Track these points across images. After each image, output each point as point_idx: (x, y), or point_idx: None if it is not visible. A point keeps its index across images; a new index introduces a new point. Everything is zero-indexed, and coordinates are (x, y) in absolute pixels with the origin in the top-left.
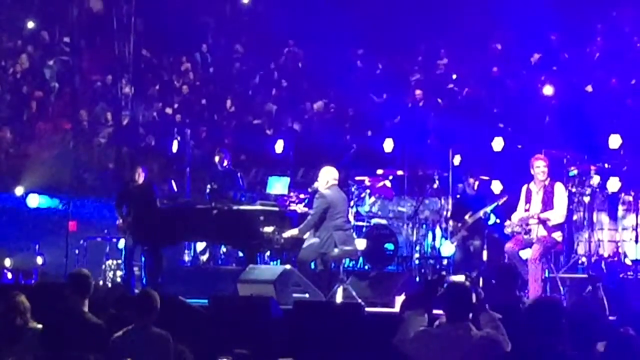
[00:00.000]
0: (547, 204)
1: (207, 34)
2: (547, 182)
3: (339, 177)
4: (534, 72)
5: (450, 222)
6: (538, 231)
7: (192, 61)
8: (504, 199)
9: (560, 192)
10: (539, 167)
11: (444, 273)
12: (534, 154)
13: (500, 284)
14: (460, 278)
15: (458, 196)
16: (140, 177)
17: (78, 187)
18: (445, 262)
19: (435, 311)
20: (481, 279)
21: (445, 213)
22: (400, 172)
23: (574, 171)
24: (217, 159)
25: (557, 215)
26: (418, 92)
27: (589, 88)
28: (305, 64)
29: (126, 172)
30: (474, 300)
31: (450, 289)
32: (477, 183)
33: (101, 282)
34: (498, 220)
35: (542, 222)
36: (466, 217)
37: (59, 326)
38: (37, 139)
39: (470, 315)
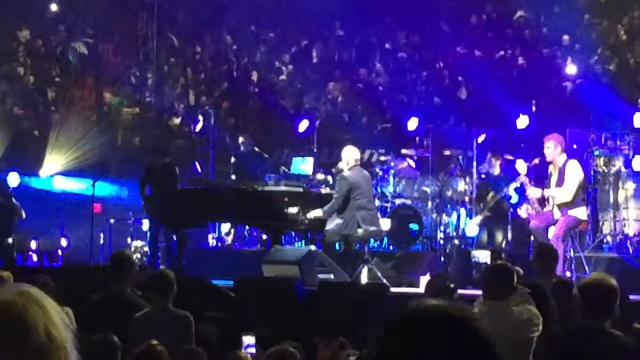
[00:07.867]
0: (559, 183)
1: (231, 15)
2: (559, 162)
3: (363, 157)
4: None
5: (474, 203)
6: (554, 212)
7: (216, 43)
8: (521, 179)
9: (571, 170)
10: (545, 147)
11: (452, 286)
12: (560, 132)
13: (540, 263)
14: (485, 253)
15: (483, 176)
16: (165, 156)
17: (102, 169)
18: (470, 242)
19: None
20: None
21: (469, 193)
22: (424, 151)
23: (598, 150)
24: (241, 140)
25: (563, 193)
26: None
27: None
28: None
29: (151, 152)
30: (515, 280)
31: (493, 270)
32: (499, 163)
33: None
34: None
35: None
36: (488, 197)
37: (101, 308)
38: (61, 121)
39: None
